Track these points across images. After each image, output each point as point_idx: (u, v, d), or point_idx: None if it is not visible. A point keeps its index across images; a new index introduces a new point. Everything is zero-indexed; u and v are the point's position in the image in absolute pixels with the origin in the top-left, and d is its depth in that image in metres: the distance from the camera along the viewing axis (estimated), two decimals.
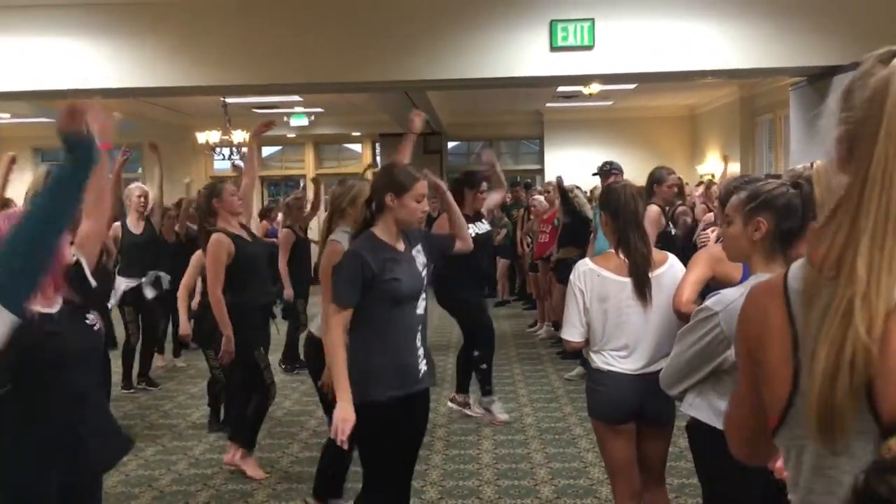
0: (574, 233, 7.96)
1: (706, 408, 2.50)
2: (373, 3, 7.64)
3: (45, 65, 7.70)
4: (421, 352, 3.23)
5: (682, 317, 3.35)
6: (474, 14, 7.64)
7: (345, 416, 2.95)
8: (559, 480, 4.86)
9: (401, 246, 3.22)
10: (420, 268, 3.25)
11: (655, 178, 6.35)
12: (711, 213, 6.19)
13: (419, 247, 3.30)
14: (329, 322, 3.10)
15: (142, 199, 7.34)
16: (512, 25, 7.61)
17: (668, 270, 3.33)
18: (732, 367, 2.41)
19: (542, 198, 9.99)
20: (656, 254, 3.36)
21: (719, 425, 2.42)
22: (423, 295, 3.27)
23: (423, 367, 3.25)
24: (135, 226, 7.32)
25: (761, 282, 1.25)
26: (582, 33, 7.51)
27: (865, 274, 0.97)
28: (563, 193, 8.32)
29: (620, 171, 7.07)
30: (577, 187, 8.57)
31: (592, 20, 7.51)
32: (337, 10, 7.67)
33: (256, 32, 7.68)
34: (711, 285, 3.34)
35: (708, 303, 2.46)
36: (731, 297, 2.41)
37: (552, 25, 7.53)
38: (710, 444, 2.46)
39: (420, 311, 3.25)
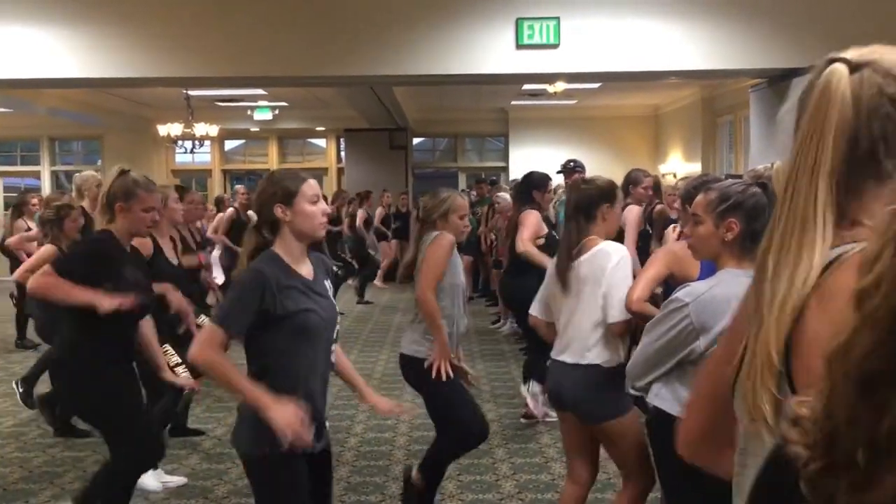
0: None
1: (672, 399, 2.53)
2: None
3: (5, 53, 7.55)
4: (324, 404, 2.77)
5: (632, 314, 3.41)
6: (441, 11, 7.64)
7: (284, 416, 2.44)
8: (521, 476, 4.88)
9: (307, 271, 2.69)
10: (331, 298, 2.79)
11: (631, 180, 6.43)
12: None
13: (324, 274, 2.80)
14: (202, 341, 2.59)
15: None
16: (478, 23, 7.63)
17: (591, 258, 3.36)
18: (699, 358, 2.45)
19: (506, 195, 10.01)
20: (593, 241, 3.39)
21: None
22: (335, 335, 2.79)
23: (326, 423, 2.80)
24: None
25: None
26: (547, 32, 7.56)
27: (772, 269, 1.04)
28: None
29: (583, 169, 7.13)
30: None
31: (558, 19, 7.55)
32: (303, 4, 7.62)
33: (220, 24, 7.60)
34: (671, 283, 3.40)
35: (678, 294, 2.50)
36: (701, 290, 2.46)
37: (518, 23, 7.56)
38: (671, 434, 2.48)
39: (333, 353, 2.80)
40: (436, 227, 3.97)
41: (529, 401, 5.89)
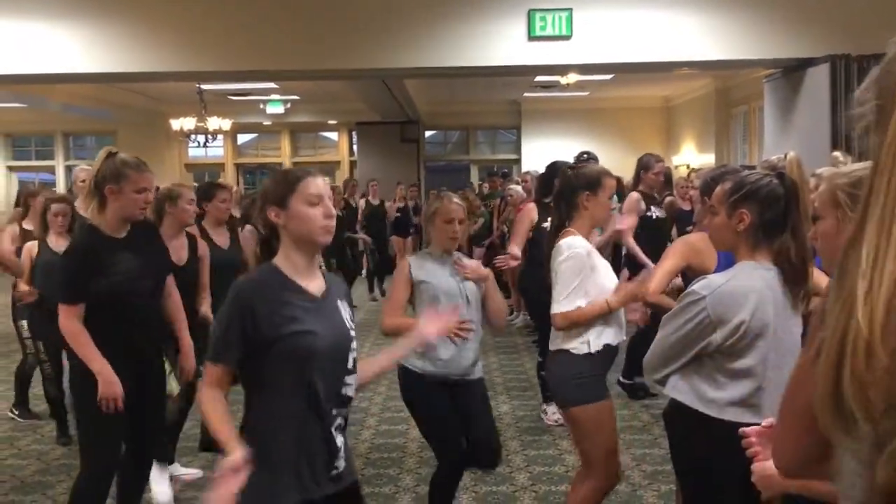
0: None
1: (689, 391, 2.51)
2: None
3: (19, 50, 7.58)
4: (340, 440, 2.29)
5: (649, 306, 3.40)
6: (453, 2, 7.62)
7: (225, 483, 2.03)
8: (534, 468, 4.89)
9: (315, 286, 2.29)
10: (346, 321, 2.33)
11: (643, 165, 6.43)
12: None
13: (342, 296, 2.39)
14: (204, 380, 2.30)
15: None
16: (490, 14, 7.60)
17: (554, 252, 3.36)
18: (716, 350, 2.44)
19: (518, 187, 9.99)
20: (566, 233, 3.39)
21: (703, 408, 2.46)
22: (352, 360, 2.30)
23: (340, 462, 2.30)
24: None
25: None
26: (560, 23, 7.52)
27: (869, 262, 0.94)
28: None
29: (597, 161, 7.10)
30: None
31: (570, 10, 7.51)
32: None
33: (232, 18, 7.61)
34: (689, 275, 3.38)
35: (695, 287, 2.48)
36: (718, 282, 2.44)
37: (530, 15, 7.53)
38: (693, 427, 2.48)
39: (350, 386, 2.30)
40: (429, 234, 3.78)
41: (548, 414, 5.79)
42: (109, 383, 3.24)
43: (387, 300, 3.83)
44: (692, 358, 2.50)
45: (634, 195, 6.32)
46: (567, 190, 3.43)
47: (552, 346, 3.41)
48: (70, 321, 3.26)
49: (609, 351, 3.34)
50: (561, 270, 3.28)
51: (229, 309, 2.23)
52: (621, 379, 6.23)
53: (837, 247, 1.80)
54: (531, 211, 5.73)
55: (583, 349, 3.28)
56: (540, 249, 5.71)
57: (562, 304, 3.25)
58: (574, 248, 3.29)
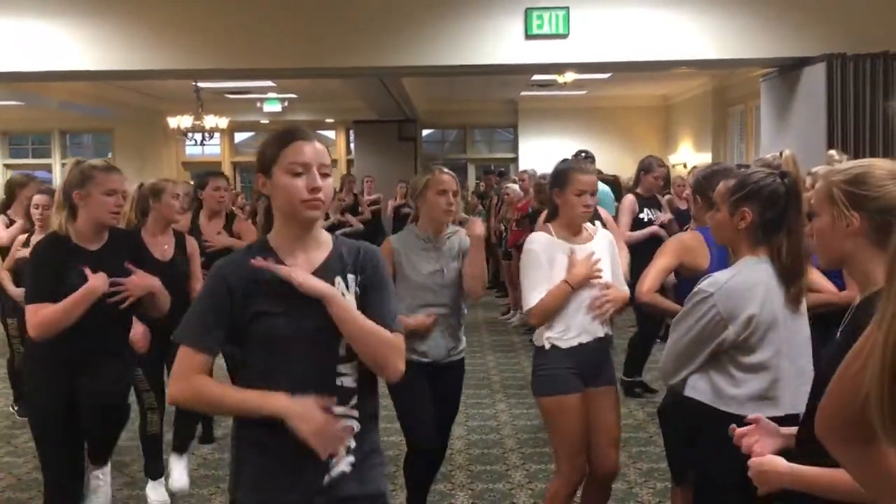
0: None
1: (708, 390, 2.51)
2: None
3: (16, 47, 7.58)
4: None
5: (643, 305, 3.41)
6: (450, 1, 7.63)
7: (296, 411, 1.89)
8: (530, 465, 4.90)
9: (306, 262, 2.02)
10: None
11: (643, 167, 6.45)
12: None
13: (350, 274, 2.04)
14: (172, 374, 2.00)
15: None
16: (487, 13, 7.61)
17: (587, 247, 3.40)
18: (731, 346, 2.45)
19: (516, 186, 10.01)
20: (540, 228, 3.47)
21: (723, 406, 2.47)
22: (344, 347, 1.98)
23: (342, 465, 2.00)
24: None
25: None
26: (557, 21, 7.53)
27: None
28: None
29: (594, 160, 7.11)
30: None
31: (567, 9, 7.52)
32: None
33: (229, 16, 7.61)
34: (682, 273, 3.40)
35: (702, 285, 2.49)
36: (723, 279, 2.46)
37: (527, 13, 7.54)
38: (711, 426, 2.46)
39: (347, 376, 2.00)
40: (418, 210, 3.71)
41: None
42: (97, 280, 3.12)
43: None
44: (708, 357, 2.50)
45: (629, 197, 6.35)
46: (545, 188, 3.51)
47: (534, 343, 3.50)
48: (36, 317, 3.09)
49: (579, 348, 3.29)
50: (521, 267, 3.36)
51: (206, 283, 2.03)
52: (622, 377, 6.23)
53: (833, 244, 1.83)
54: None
55: (545, 343, 3.32)
56: None
57: (528, 301, 3.29)
58: (531, 243, 3.34)
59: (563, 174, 3.38)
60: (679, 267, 3.35)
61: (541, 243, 3.33)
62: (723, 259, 3.25)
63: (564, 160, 5.19)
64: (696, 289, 2.52)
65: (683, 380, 2.58)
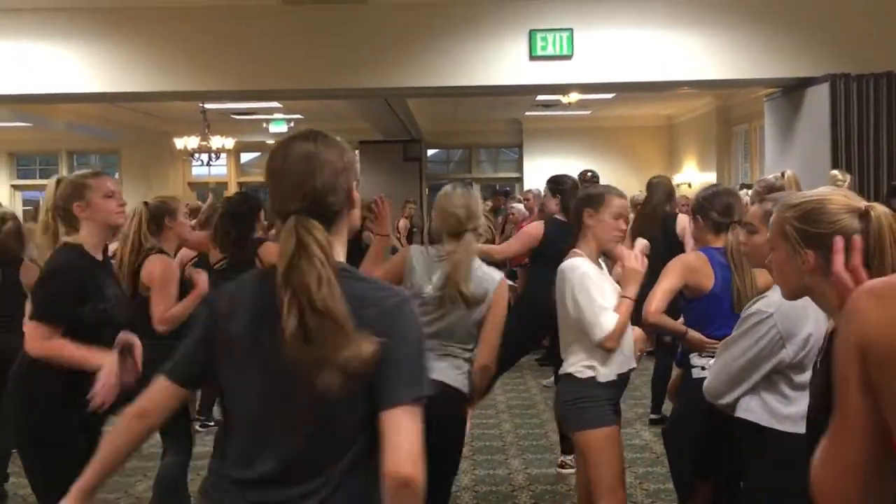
0: None
1: (762, 410, 2.53)
2: (353, 11, 7.66)
3: (23, 69, 7.64)
4: None
5: (649, 326, 3.38)
6: (455, 23, 7.68)
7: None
8: (536, 486, 4.88)
9: None
10: None
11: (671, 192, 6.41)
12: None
13: None
14: None
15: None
16: (492, 35, 7.66)
17: (559, 274, 3.24)
18: (787, 367, 2.47)
19: (520, 206, 10.03)
20: (572, 253, 3.29)
21: (778, 426, 2.48)
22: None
23: None
24: None
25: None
26: (561, 43, 7.58)
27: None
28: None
29: (598, 180, 7.12)
30: None
31: (571, 30, 7.57)
32: (317, 18, 7.68)
33: (235, 38, 7.67)
34: (686, 294, 3.40)
35: (757, 306, 2.50)
36: (779, 299, 2.40)
37: (531, 35, 7.58)
38: (771, 447, 2.47)
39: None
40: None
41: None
42: (110, 374, 2.81)
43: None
44: (761, 377, 2.51)
45: (684, 217, 6.26)
46: (575, 208, 3.37)
47: (561, 371, 3.32)
48: (43, 341, 2.87)
49: (620, 378, 3.22)
50: (579, 293, 3.13)
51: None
52: (653, 416, 6.09)
53: (791, 279, 1.79)
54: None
55: (587, 373, 3.18)
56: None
57: (603, 325, 3.09)
58: (579, 266, 3.19)
59: (598, 196, 3.29)
60: (683, 288, 3.35)
61: (587, 264, 3.21)
62: (727, 280, 3.25)
63: (566, 176, 5.12)
64: (751, 310, 2.52)
65: (736, 400, 2.57)
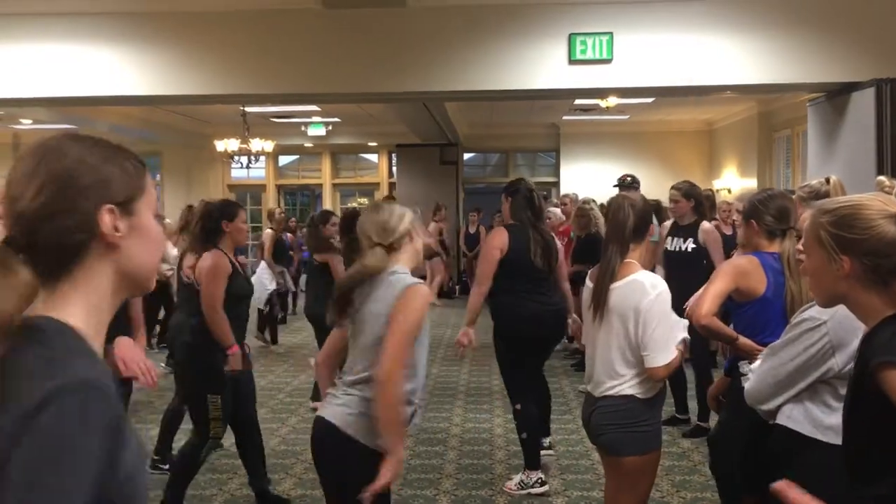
0: (585, 247, 7.88)
1: (804, 419, 2.47)
2: (392, 15, 7.69)
3: (67, 72, 7.79)
4: None
5: (700, 329, 3.30)
6: (494, 27, 7.67)
7: None
8: (572, 492, 4.85)
9: None
10: None
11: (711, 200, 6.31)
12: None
13: None
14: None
15: None
16: (531, 38, 7.64)
17: (623, 287, 3.01)
18: (834, 377, 2.41)
19: (557, 210, 9.99)
20: (628, 266, 3.05)
21: (821, 436, 2.42)
22: None
23: None
24: None
25: None
26: (600, 47, 7.53)
27: None
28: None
29: (639, 185, 7.07)
30: (593, 201, 8.56)
31: (611, 34, 7.52)
32: (355, 21, 7.73)
33: (276, 43, 7.74)
34: (735, 298, 3.32)
35: (810, 312, 2.43)
36: (834, 307, 2.38)
37: (571, 39, 7.55)
38: (811, 457, 2.42)
39: None
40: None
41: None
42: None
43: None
44: (806, 385, 2.46)
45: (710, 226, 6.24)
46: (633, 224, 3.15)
47: (612, 392, 3.03)
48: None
49: (660, 394, 3.12)
50: (659, 312, 2.94)
51: None
52: (699, 423, 5.99)
53: (826, 285, 1.76)
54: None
55: (649, 393, 3.02)
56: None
57: (665, 354, 2.94)
58: (658, 284, 3.00)
59: (650, 211, 3.19)
60: (734, 292, 3.28)
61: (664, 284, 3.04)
62: (780, 285, 3.19)
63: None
64: (802, 316, 2.46)
65: (778, 407, 2.53)
